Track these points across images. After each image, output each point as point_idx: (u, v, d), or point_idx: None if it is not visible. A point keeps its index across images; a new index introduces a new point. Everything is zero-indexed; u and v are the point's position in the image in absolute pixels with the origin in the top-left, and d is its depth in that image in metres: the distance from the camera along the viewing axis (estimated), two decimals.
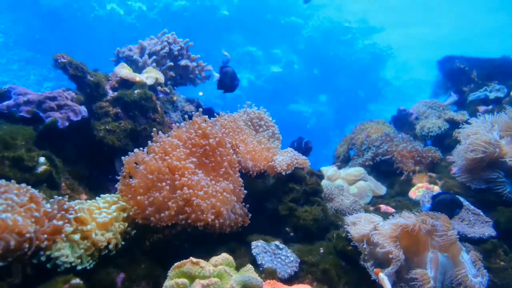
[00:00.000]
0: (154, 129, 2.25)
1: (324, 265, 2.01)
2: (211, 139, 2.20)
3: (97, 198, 2.03)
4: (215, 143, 2.20)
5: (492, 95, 4.03)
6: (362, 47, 18.03)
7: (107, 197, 2.04)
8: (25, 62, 14.60)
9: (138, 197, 1.93)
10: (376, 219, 2.06)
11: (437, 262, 1.85)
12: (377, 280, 1.82)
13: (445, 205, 2.77)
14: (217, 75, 2.81)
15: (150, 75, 2.90)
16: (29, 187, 1.72)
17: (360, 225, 2.02)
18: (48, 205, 1.70)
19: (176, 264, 1.57)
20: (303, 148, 3.20)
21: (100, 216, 1.83)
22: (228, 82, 2.81)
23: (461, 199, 2.67)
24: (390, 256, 1.79)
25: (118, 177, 2.10)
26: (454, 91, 4.61)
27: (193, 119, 2.30)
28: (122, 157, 2.10)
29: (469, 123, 2.89)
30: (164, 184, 1.92)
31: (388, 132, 4.04)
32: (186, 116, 2.47)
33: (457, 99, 4.38)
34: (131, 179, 2.06)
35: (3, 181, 1.67)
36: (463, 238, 2.31)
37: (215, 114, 2.59)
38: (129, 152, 2.11)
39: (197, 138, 2.19)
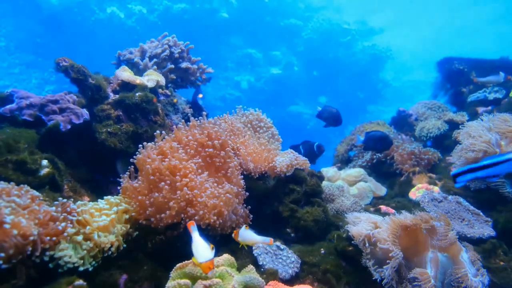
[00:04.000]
0: (157, 131, 2.27)
1: (325, 266, 2.03)
2: (216, 141, 2.22)
3: (99, 200, 2.05)
4: (220, 145, 2.22)
5: (491, 96, 4.05)
6: (361, 49, 18.07)
7: (111, 198, 2.05)
8: (27, 66, 14.65)
9: (140, 197, 1.95)
10: (376, 218, 2.07)
11: (437, 261, 1.87)
12: (378, 280, 1.84)
13: (374, 140, 3.30)
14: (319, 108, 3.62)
15: (151, 78, 2.92)
16: (29, 187, 1.74)
17: (361, 224, 2.04)
18: (53, 208, 1.72)
19: (178, 265, 1.59)
20: (316, 152, 3.22)
21: (100, 218, 1.85)
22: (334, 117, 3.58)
23: (461, 199, 2.69)
24: (390, 254, 1.80)
25: (120, 179, 2.12)
26: (453, 93, 4.61)
27: (202, 121, 2.32)
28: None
29: (467, 125, 2.91)
30: (163, 184, 1.95)
31: (388, 132, 4.05)
32: (189, 117, 2.50)
33: (503, 80, 3.95)
34: (134, 180, 2.08)
35: (3, 183, 1.69)
36: (463, 238, 2.32)
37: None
38: (134, 156, 2.13)
39: (202, 139, 2.22)
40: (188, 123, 2.39)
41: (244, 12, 16.67)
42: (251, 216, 2.28)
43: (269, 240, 1.72)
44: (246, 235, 1.75)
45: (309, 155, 2.82)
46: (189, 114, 3.20)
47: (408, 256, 1.92)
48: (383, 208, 2.92)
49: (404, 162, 3.63)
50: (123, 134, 2.56)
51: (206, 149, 2.20)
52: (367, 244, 1.97)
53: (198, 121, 2.38)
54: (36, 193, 1.76)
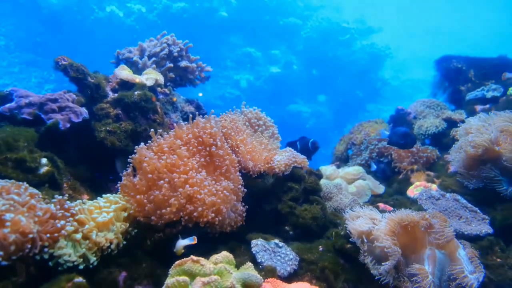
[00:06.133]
0: (152, 130, 2.28)
1: (323, 263, 2.04)
2: (217, 139, 2.23)
3: (98, 198, 2.06)
4: (219, 144, 2.24)
5: (489, 95, 4.06)
6: (360, 47, 18.06)
7: (110, 196, 2.07)
8: (26, 64, 14.64)
9: (138, 196, 1.97)
10: (376, 215, 2.08)
11: (435, 258, 1.88)
12: (376, 277, 1.85)
13: (399, 135, 3.22)
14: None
15: (150, 77, 2.93)
16: (28, 185, 1.75)
17: (360, 221, 2.05)
18: (52, 205, 1.73)
19: (177, 262, 1.60)
20: (311, 149, 3.22)
21: (101, 216, 1.86)
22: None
23: (459, 196, 2.70)
24: (386, 250, 1.81)
25: (120, 176, 2.13)
26: (451, 91, 4.63)
27: (196, 120, 2.33)
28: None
29: (467, 122, 2.92)
30: (162, 182, 1.96)
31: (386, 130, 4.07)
32: (188, 116, 2.51)
33: None
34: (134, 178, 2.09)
35: (2, 181, 1.69)
36: (460, 235, 2.33)
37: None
38: (133, 154, 2.14)
39: (200, 138, 2.23)
40: (186, 122, 2.39)
41: (243, 11, 16.66)
42: (245, 214, 2.29)
43: (192, 239, 1.88)
44: (176, 245, 1.90)
45: (304, 152, 2.82)
46: (188, 113, 3.21)
47: (406, 253, 1.93)
48: (382, 205, 2.93)
49: (402, 160, 3.64)
50: (122, 132, 2.57)
51: (207, 148, 2.22)
52: (365, 241, 1.98)
53: (202, 118, 2.38)
54: (35, 190, 1.77)
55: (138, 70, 3.18)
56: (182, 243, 1.89)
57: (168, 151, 2.12)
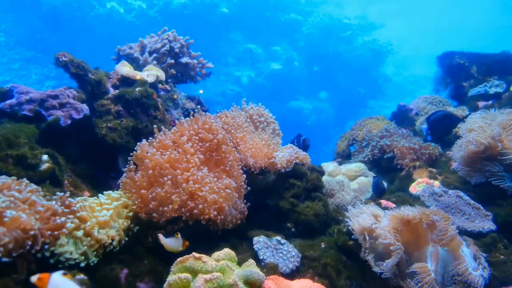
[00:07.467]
0: (154, 126, 2.28)
1: (325, 260, 2.03)
2: (219, 135, 2.22)
3: (100, 195, 2.05)
4: (221, 140, 2.23)
5: (491, 91, 4.04)
6: (362, 44, 18.00)
7: (111, 193, 2.06)
8: (26, 61, 14.65)
9: (142, 191, 1.96)
10: (379, 212, 2.07)
11: (437, 256, 1.87)
12: (378, 274, 1.84)
13: (440, 121, 2.91)
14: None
15: (151, 73, 2.91)
16: (28, 181, 1.74)
17: (362, 218, 2.04)
18: (53, 202, 1.72)
19: (179, 259, 1.59)
20: (301, 146, 3.22)
21: (101, 213, 1.85)
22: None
23: (461, 193, 2.68)
24: (391, 248, 1.80)
25: (121, 173, 2.12)
26: (454, 87, 4.61)
27: (196, 115, 2.32)
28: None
29: (469, 118, 2.90)
30: (165, 179, 1.95)
31: (388, 127, 4.05)
32: (190, 112, 2.51)
33: None
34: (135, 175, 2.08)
35: (3, 178, 1.69)
36: (463, 232, 2.32)
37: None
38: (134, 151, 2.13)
39: (202, 134, 2.22)
40: (187, 118, 2.38)
41: (244, 7, 16.61)
42: (246, 211, 2.28)
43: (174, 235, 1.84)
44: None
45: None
46: (189, 110, 3.20)
47: (408, 250, 1.92)
48: (384, 202, 2.92)
49: (405, 156, 3.62)
50: (123, 129, 2.56)
51: (206, 144, 2.21)
52: (367, 238, 1.97)
53: (200, 115, 2.37)
54: (36, 187, 1.76)
55: (139, 66, 3.17)
56: (165, 241, 1.86)
57: (172, 146, 2.11)
